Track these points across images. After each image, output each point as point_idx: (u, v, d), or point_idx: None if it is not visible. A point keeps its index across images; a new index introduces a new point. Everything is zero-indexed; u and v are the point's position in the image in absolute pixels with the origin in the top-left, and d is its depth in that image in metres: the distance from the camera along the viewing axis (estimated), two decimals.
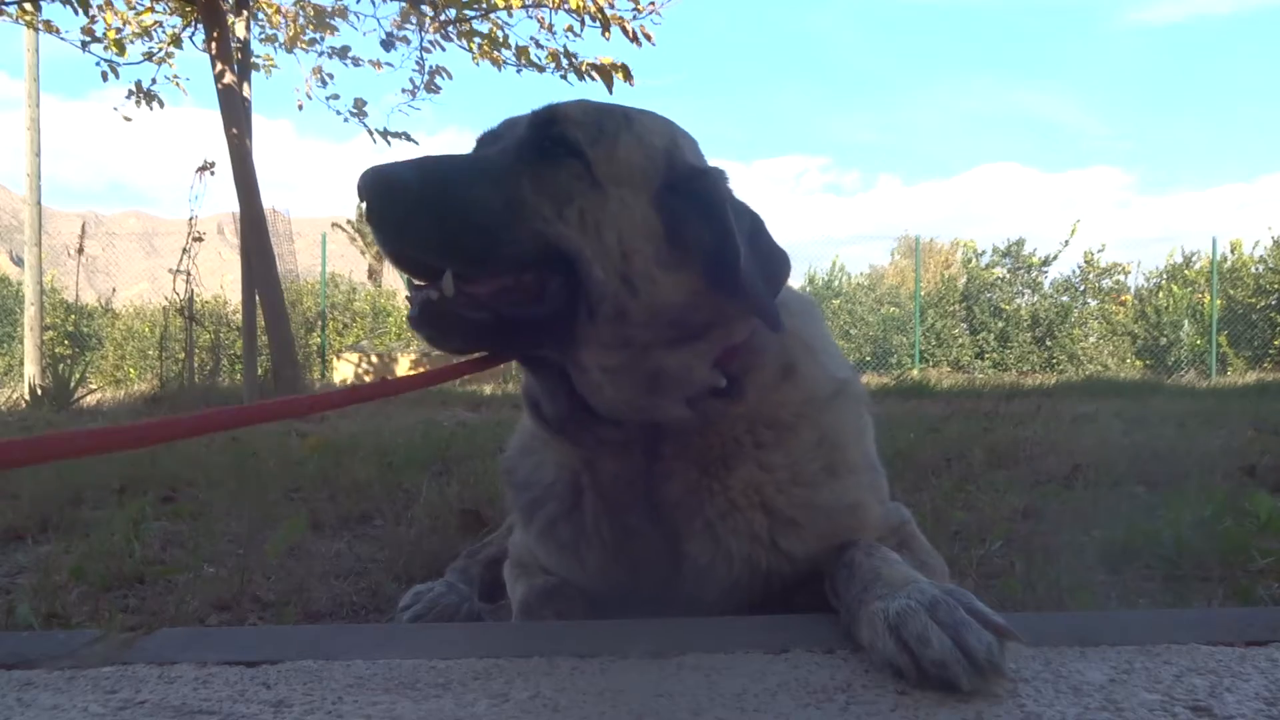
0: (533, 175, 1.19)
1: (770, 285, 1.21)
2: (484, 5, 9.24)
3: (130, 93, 9.72)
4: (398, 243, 1.17)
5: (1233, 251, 18.99)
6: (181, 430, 1.00)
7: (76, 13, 8.29)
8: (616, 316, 1.18)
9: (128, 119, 9.83)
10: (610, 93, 9.35)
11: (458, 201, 1.15)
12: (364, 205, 1.15)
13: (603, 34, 8.99)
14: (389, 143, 10.41)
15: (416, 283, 1.21)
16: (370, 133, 10.26)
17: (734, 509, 1.30)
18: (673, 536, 1.31)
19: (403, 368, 14.31)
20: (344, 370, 14.79)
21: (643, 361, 1.21)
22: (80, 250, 10.92)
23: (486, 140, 1.31)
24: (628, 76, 9.15)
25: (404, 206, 1.13)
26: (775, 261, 1.24)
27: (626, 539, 1.34)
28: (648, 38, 8.99)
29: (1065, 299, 19.70)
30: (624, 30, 8.91)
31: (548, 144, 1.21)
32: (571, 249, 1.17)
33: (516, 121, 1.28)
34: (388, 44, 9.81)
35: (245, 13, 9.17)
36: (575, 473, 1.38)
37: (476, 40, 9.56)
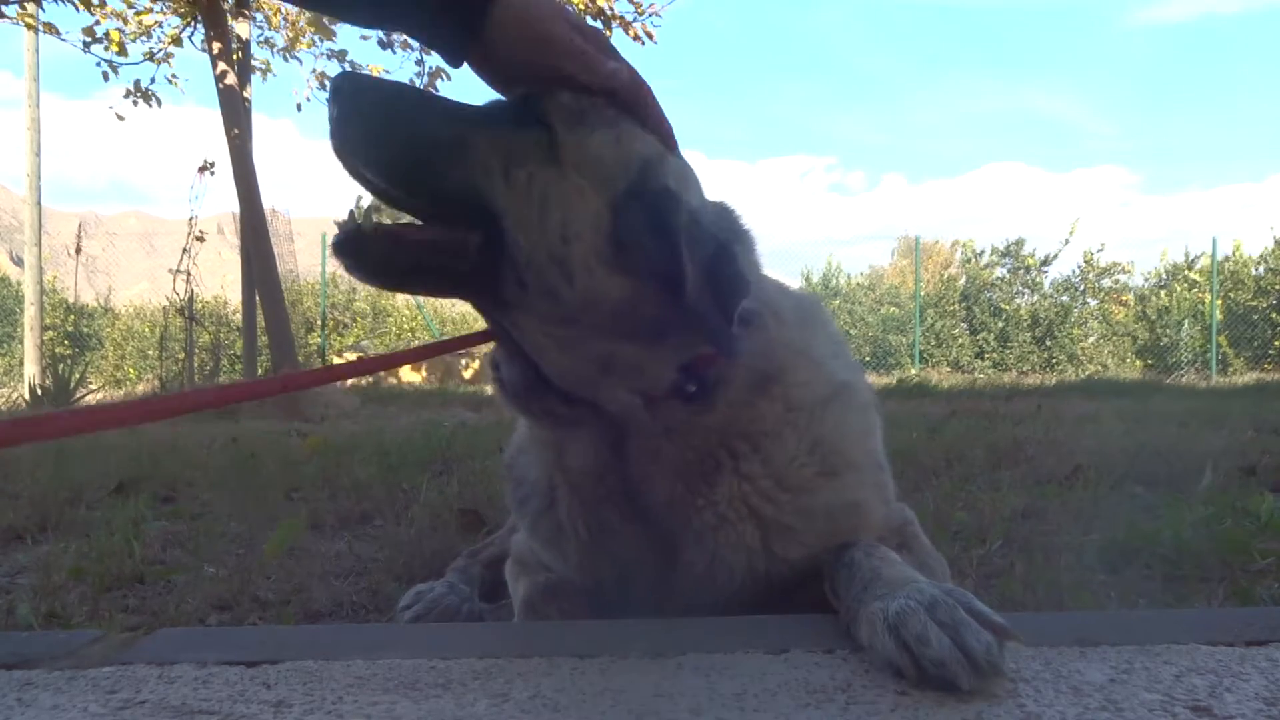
0: (494, 132, 1.19)
1: (723, 309, 1.16)
2: None
3: (128, 92, 9.72)
4: (345, 146, 1.17)
5: (1235, 252, 18.99)
6: (162, 410, 0.99)
7: (78, 10, 8.29)
8: (548, 294, 1.17)
9: (121, 117, 9.82)
10: None
11: (413, 125, 1.16)
12: (330, 103, 1.17)
13: (605, 32, 9.01)
14: None
15: (342, 221, 1.22)
16: None
17: (724, 522, 1.28)
18: (668, 542, 1.30)
19: (404, 369, 14.31)
20: None
21: (593, 341, 1.20)
22: (78, 250, 10.93)
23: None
24: None
25: (363, 114, 1.16)
26: (726, 287, 1.18)
27: (604, 536, 1.33)
28: (649, 35, 8.99)
29: (1065, 299, 19.72)
30: (625, 30, 8.92)
31: (526, 113, 1.21)
32: (499, 207, 1.16)
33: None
34: (386, 44, 9.83)
35: (245, 13, 9.18)
36: (551, 473, 1.38)
37: None
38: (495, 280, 1.19)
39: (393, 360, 1.30)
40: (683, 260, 1.13)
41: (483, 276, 1.19)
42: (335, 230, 1.20)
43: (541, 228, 1.16)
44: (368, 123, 1.17)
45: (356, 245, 1.19)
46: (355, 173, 1.21)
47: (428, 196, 1.19)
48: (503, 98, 1.29)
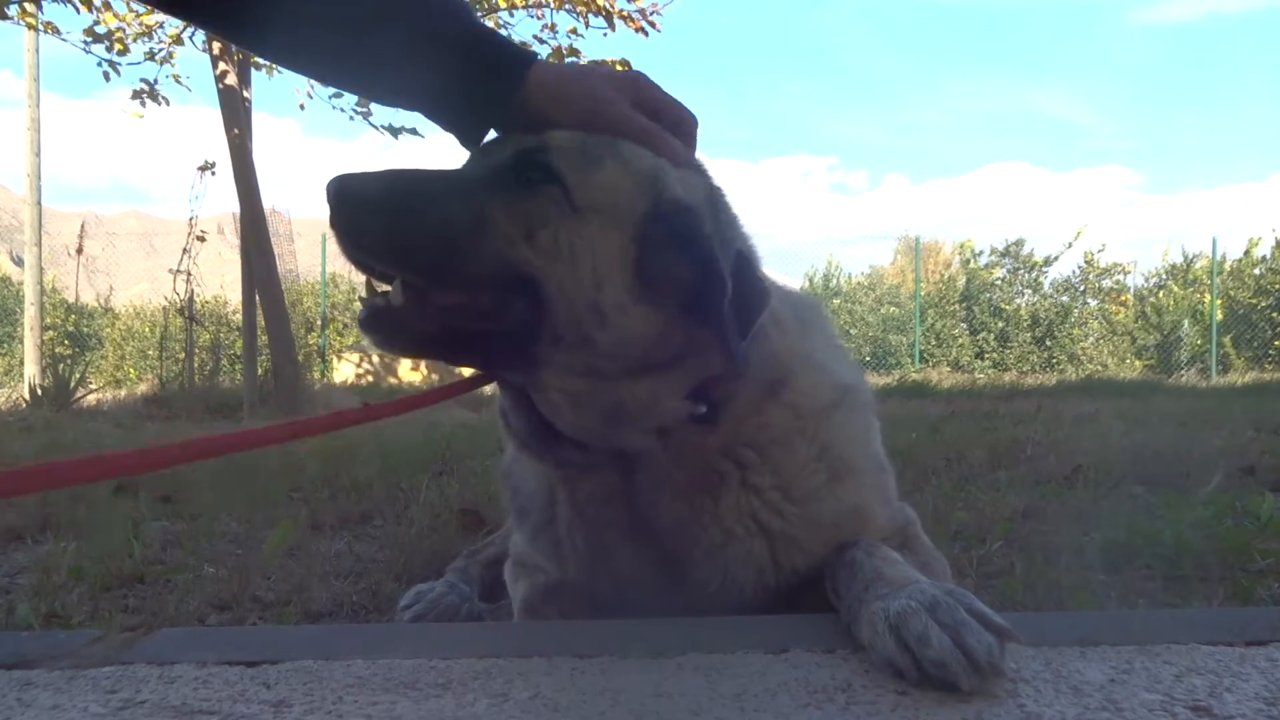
0: (506, 198, 1.16)
1: (742, 324, 1.15)
2: (485, 5, 9.23)
3: (136, 92, 9.69)
4: (360, 252, 1.16)
5: (1246, 252, 19.01)
6: (171, 457, 0.99)
7: (79, 11, 8.29)
8: (582, 344, 1.15)
9: (139, 116, 9.77)
10: None
11: (422, 216, 1.14)
12: (329, 212, 1.14)
13: (607, 29, 8.95)
14: (396, 137, 10.38)
15: (380, 287, 1.22)
16: (378, 129, 10.23)
17: (732, 538, 1.27)
18: (675, 562, 1.29)
19: (404, 368, 14.32)
20: (344, 371, 14.79)
21: (607, 391, 1.18)
22: (80, 250, 10.93)
23: (483, 152, 1.28)
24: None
25: (367, 218, 1.13)
26: (752, 299, 1.17)
27: (606, 555, 1.32)
28: (652, 25, 8.92)
29: (1065, 299, 19.72)
30: (627, 23, 8.87)
31: (531, 169, 1.17)
32: (535, 273, 1.14)
33: (510, 140, 1.25)
34: None
35: None
36: (551, 487, 1.36)
37: None
38: (533, 339, 1.16)
39: (405, 405, 1.28)
40: (720, 274, 1.11)
41: (519, 338, 1.17)
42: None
43: (576, 280, 1.14)
44: (382, 223, 1.13)
45: (385, 319, 1.17)
46: (366, 265, 1.18)
47: (453, 278, 1.15)
48: (483, 152, 1.27)
